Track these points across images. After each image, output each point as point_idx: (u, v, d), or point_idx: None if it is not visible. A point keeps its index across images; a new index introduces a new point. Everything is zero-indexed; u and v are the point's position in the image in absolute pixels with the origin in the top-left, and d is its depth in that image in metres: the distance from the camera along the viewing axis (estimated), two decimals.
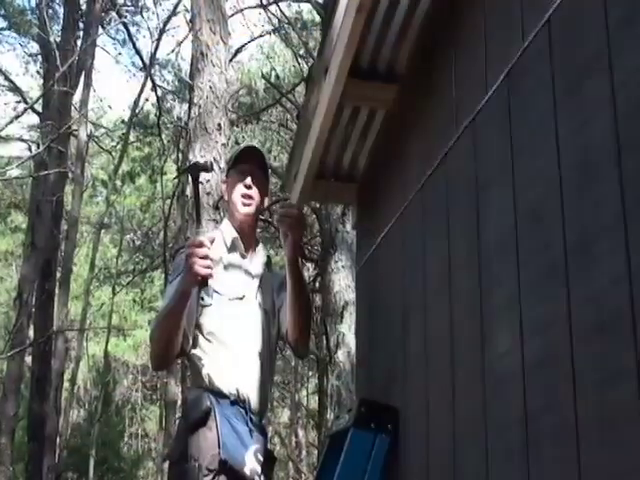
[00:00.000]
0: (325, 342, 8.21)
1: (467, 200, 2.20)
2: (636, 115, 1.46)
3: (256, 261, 2.71)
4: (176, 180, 11.71)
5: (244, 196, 2.68)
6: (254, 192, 2.69)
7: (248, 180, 2.69)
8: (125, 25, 14.22)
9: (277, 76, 13.60)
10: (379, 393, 2.95)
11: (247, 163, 2.72)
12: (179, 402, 11.16)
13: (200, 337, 2.51)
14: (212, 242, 2.42)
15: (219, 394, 2.44)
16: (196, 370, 2.50)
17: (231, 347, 2.52)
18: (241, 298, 2.58)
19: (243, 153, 2.75)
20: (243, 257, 2.67)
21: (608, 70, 1.55)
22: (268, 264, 2.75)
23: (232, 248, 2.66)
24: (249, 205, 2.68)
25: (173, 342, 2.38)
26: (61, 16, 13.78)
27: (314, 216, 10.50)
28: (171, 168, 16.12)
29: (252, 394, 2.48)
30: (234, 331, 2.53)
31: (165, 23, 13.80)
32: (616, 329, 1.45)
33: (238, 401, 2.45)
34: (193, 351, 2.50)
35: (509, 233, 1.90)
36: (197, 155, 7.08)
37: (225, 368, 2.48)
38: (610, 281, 1.49)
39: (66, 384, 14.23)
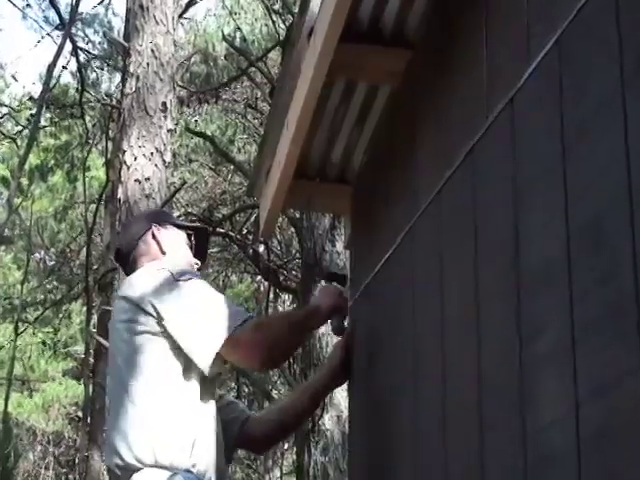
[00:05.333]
0: None
1: (501, 211, 2.20)
2: None
3: None
4: (104, 178, 11.71)
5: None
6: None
7: (198, 264, 3.15)
8: None
9: (243, 38, 13.63)
10: (380, 474, 2.94)
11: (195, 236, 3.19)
12: None
13: (192, 393, 2.71)
14: None
15: None
16: (174, 438, 2.61)
17: (211, 427, 2.77)
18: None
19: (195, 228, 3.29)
20: None
21: None
22: None
23: None
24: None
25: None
26: None
27: (292, 230, 10.50)
28: (97, 162, 16.09)
29: None
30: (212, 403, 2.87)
31: None
32: None
33: None
34: (173, 410, 2.64)
35: (559, 256, 1.90)
36: (133, 144, 7.08)
37: (213, 450, 2.71)
38: None
39: None
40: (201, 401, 2.71)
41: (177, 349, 2.70)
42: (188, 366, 2.70)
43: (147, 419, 2.62)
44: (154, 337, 2.70)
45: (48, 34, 14.96)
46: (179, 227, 3.18)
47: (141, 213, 3.38)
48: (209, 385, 2.78)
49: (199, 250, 3.14)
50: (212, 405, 2.78)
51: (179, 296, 2.73)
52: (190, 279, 2.79)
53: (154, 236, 3.05)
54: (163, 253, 3.03)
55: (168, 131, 7.23)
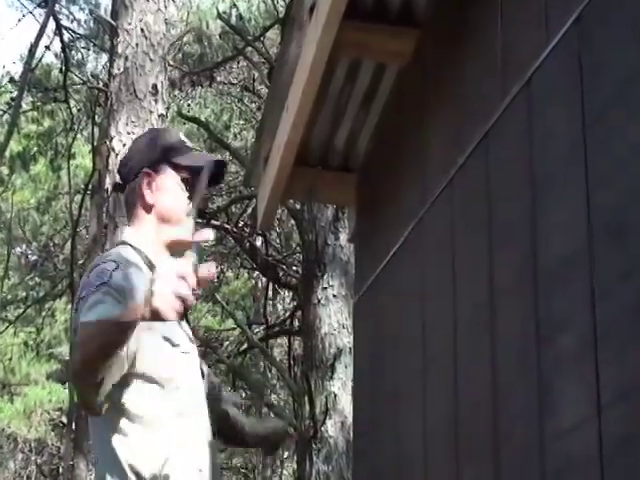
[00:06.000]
0: (308, 408, 8.19)
1: (517, 201, 2.20)
2: None
3: None
4: (90, 166, 11.70)
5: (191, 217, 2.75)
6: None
7: (201, 204, 2.79)
8: None
9: (240, 16, 13.61)
10: None
11: (203, 173, 2.76)
12: None
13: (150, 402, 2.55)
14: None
15: None
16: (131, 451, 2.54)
17: (194, 426, 2.61)
18: (188, 353, 2.66)
19: (204, 159, 2.80)
20: None
21: None
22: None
23: None
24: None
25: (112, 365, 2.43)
26: None
27: (292, 222, 10.50)
28: (83, 149, 16.07)
29: None
30: (192, 399, 2.64)
31: None
32: None
33: None
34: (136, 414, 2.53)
35: (579, 251, 1.90)
36: (122, 130, 7.07)
37: (192, 457, 2.56)
38: None
39: None
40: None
41: None
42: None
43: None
44: None
45: (30, 12, 14.94)
46: (180, 168, 2.73)
47: (148, 135, 2.75)
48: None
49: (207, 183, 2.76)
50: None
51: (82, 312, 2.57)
52: (101, 285, 2.55)
53: (144, 186, 2.69)
54: (148, 212, 2.76)
55: (159, 116, 7.22)
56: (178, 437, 2.57)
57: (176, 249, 2.81)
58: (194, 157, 2.84)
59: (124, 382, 2.53)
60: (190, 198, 2.78)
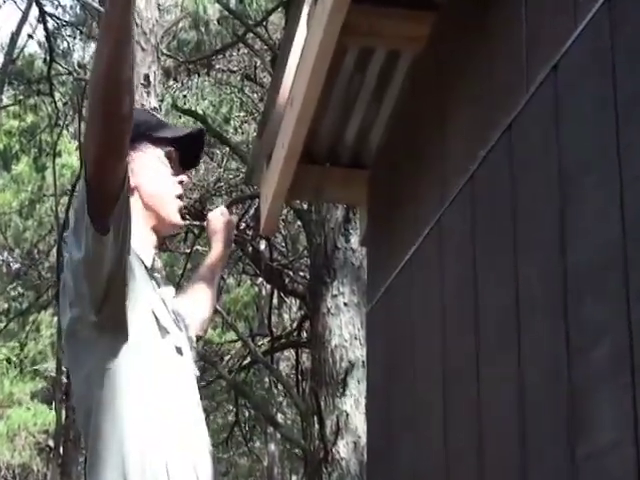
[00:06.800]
0: (317, 427, 8.19)
1: (545, 199, 2.20)
2: None
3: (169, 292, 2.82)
4: (77, 165, 11.72)
5: (180, 198, 2.83)
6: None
7: (185, 178, 2.86)
8: None
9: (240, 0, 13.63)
10: None
11: (182, 145, 2.85)
12: None
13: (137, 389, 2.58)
14: None
15: None
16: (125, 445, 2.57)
17: (186, 423, 2.63)
18: (180, 352, 2.68)
19: (180, 131, 2.88)
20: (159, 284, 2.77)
21: None
22: None
23: (152, 269, 2.77)
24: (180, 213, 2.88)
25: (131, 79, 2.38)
26: None
27: (299, 224, 10.50)
28: (69, 146, 16.10)
29: None
30: (182, 398, 2.66)
31: None
32: None
33: None
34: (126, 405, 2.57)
35: (614, 252, 1.90)
36: None
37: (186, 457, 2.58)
38: None
39: None
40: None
41: None
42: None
43: None
44: None
45: None
46: (157, 142, 2.80)
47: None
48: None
49: (187, 159, 2.86)
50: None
51: None
52: None
53: (132, 175, 2.67)
54: (131, 195, 2.75)
55: (152, 109, 7.23)
56: (178, 441, 2.60)
57: (164, 232, 2.85)
58: (172, 129, 2.91)
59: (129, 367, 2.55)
60: (175, 172, 2.82)
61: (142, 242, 2.72)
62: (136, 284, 2.54)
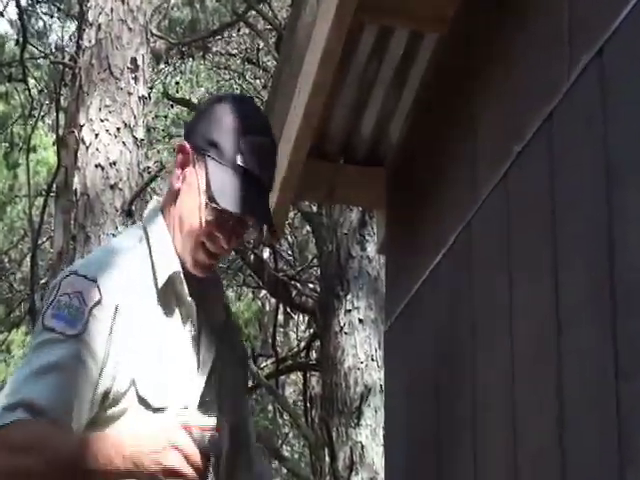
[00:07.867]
0: (329, 462, 8.20)
1: (589, 199, 2.20)
2: None
3: (214, 313, 2.62)
4: (54, 162, 11.74)
5: (212, 253, 2.52)
6: (232, 244, 2.57)
7: (225, 237, 2.53)
8: None
9: None
10: None
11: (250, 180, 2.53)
12: None
13: None
14: None
15: None
16: None
17: None
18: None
19: (253, 144, 2.52)
20: (185, 315, 2.58)
21: None
22: (227, 318, 2.71)
23: (166, 293, 2.54)
24: (212, 265, 2.55)
25: None
26: None
27: (308, 229, 10.52)
28: (45, 140, 16.14)
29: None
30: None
31: None
32: None
33: None
34: None
35: None
36: (93, 117, 7.09)
37: None
38: None
39: None
40: None
41: None
42: None
43: None
44: None
45: None
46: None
47: (229, 106, 2.35)
48: None
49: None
50: None
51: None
52: (49, 330, 2.49)
53: (177, 161, 2.52)
54: (174, 196, 2.56)
55: (140, 98, 7.26)
56: None
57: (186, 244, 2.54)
58: (234, 193, 2.51)
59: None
60: (221, 222, 2.51)
61: (160, 251, 2.53)
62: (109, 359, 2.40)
